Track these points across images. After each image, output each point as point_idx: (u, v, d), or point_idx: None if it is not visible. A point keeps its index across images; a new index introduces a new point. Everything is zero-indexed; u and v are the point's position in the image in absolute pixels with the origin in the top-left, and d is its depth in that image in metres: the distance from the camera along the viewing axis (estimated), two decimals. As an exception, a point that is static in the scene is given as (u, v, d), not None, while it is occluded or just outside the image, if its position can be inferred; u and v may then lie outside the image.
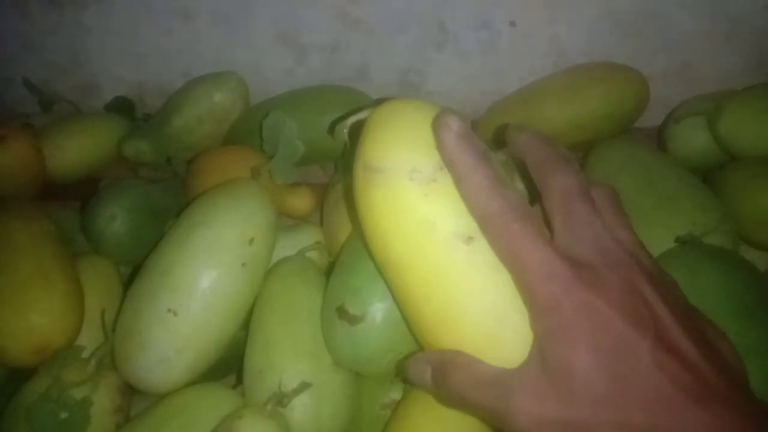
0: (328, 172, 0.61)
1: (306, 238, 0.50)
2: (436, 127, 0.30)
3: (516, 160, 0.32)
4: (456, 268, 0.29)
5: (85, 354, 0.43)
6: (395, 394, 0.41)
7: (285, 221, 0.54)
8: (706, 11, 0.58)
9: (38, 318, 0.42)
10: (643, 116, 0.61)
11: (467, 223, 0.29)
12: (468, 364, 0.29)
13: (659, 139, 0.59)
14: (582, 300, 0.25)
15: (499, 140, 0.35)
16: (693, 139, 0.55)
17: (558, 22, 0.59)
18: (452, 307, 0.29)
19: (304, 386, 0.38)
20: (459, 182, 0.29)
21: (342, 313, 0.38)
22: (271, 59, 0.63)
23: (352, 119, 0.35)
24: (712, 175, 0.53)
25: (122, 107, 0.66)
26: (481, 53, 0.62)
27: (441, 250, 0.29)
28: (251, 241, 0.42)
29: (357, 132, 0.34)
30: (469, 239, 0.29)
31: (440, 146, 0.30)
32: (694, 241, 0.43)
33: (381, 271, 0.34)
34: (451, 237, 0.29)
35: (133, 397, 0.43)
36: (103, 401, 0.40)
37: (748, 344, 0.36)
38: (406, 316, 0.33)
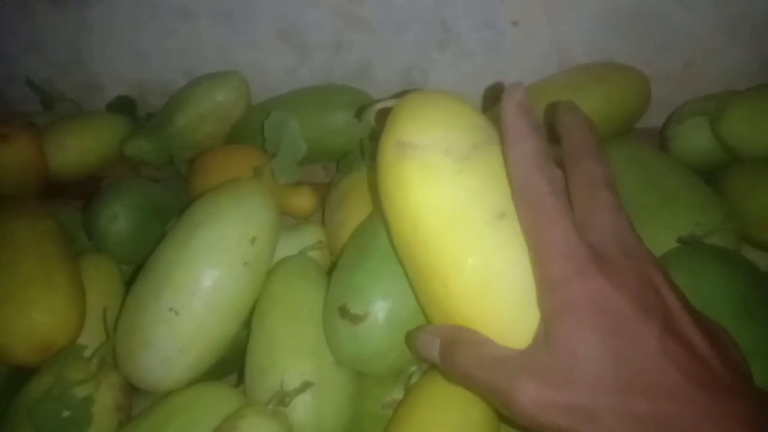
0: (330, 172, 0.61)
1: (308, 237, 0.50)
2: (505, 93, 0.31)
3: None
4: (489, 242, 0.29)
5: (87, 353, 0.43)
6: (397, 393, 0.41)
7: (287, 221, 0.54)
8: (707, 10, 0.58)
9: (40, 317, 0.42)
10: (644, 116, 0.61)
11: (500, 201, 0.30)
12: (476, 342, 0.29)
13: (661, 139, 0.59)
14: (592, 282, 0.25)
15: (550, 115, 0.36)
16: (695, 139, 0.55)
17: (560, 22, 0.59)
18: (483, 279, 0.29)
19: (306, 385, 0.38)
20: (509, 147, 0.30)
21: (344, 312, 0.38)
22: (273, 58, 0.63)
23: (380, 105, 0.36)
24: (714, 175, 0.53)
25: (124, 106, 0.66)
26: (483, 53, 0.62)
27: (475, 222, 0.30)
28: (253, 240, 0.42)
29: (383, 117, 0.34)
30: (502, 215, 0.29)
31: (502, 110, 0.31)
32: (696, 241, 0.43)
33: (401, 249, 0.34)
34: (486, 211, 0.30)
35: (135, 396, 0.43)
36: (105, 400, 0.40)
37: (749, 345, 0.35)
38: (426, 294, 0.33)
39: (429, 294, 0.32)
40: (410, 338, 0.35)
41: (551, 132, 0.33)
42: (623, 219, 0.28)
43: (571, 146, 0.31)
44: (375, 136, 0.35)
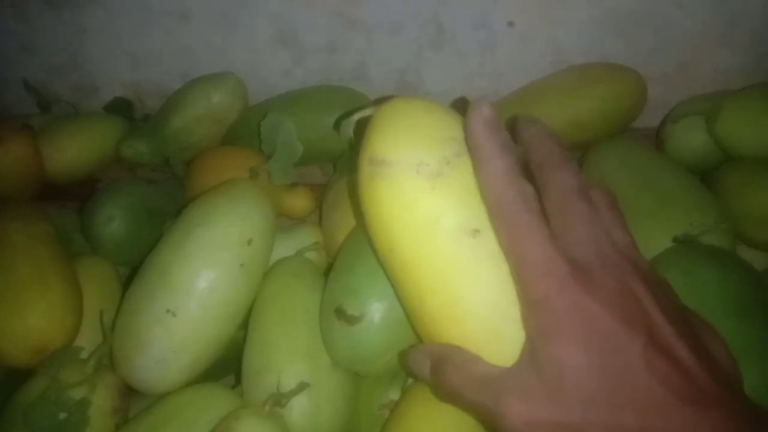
0: (326, 173, 0.61)
1: (304, 238, 0.50)
2: (469, 110, 0.30)
3: (521, 156, 0.33)
4: (461, 261, 0.29)
5: (83, 354, 0.43)
6: (393, 394, 0.41)
7: (283, 222, 0.54)
8: (703, 11, 0.58)
9: (36, 318, 0.42)
10: (640, 116, 0.61)
11: (473, 217, 0.29)
12: (465, 361, 0.28)
13: (657, 139, 0.59)
14: (575, 299, 0.25)
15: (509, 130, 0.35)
16: (690, 139, 0.55)
17: (556, 23, 0.60)
18: (456, 300, 0.29)
19: (302, 386, 0.38)
20: (478, 167, 0.29)
21: (340, 313, 0.38)
22: (270, 60, 0.63)
23: (357, 116, 0.35)
24: (709, 174, 0.53)
25: (121, 108, 0.66)
26: (479, 53, 0.62)
27: (446, 242, 0.29)
28: (249, 241, 0.42)
29: (362, 128, 0.34)
30: (475, 232, 0.29)
31: (467, 129, 0.30)
32: (691, 240, 0.43)
33: (383, 265, 0.34)
34: (457, 230, 0.29)
35: (132, 397, 0.43)
36: (101, 402, 0.40)
37: (744, 344, 0.36)
38: (407, 310, 0.33)
39: (409, 310, 0.32)
40: (403, 357, 0.35)
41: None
42: (598, 230, 0.28)
43: (539, 159, 0.31)
44: (353, 148, 0.35)
